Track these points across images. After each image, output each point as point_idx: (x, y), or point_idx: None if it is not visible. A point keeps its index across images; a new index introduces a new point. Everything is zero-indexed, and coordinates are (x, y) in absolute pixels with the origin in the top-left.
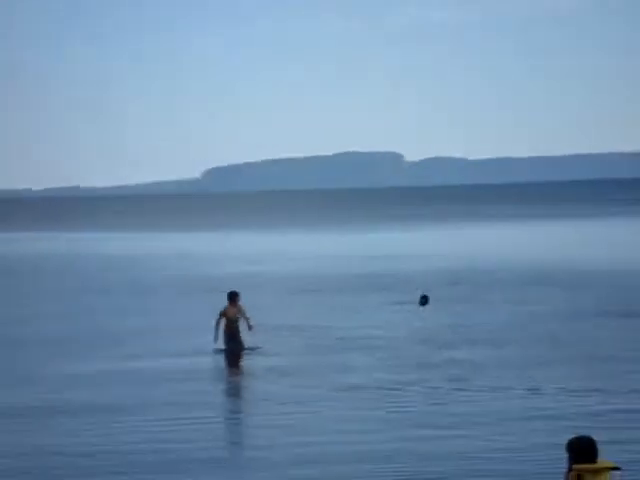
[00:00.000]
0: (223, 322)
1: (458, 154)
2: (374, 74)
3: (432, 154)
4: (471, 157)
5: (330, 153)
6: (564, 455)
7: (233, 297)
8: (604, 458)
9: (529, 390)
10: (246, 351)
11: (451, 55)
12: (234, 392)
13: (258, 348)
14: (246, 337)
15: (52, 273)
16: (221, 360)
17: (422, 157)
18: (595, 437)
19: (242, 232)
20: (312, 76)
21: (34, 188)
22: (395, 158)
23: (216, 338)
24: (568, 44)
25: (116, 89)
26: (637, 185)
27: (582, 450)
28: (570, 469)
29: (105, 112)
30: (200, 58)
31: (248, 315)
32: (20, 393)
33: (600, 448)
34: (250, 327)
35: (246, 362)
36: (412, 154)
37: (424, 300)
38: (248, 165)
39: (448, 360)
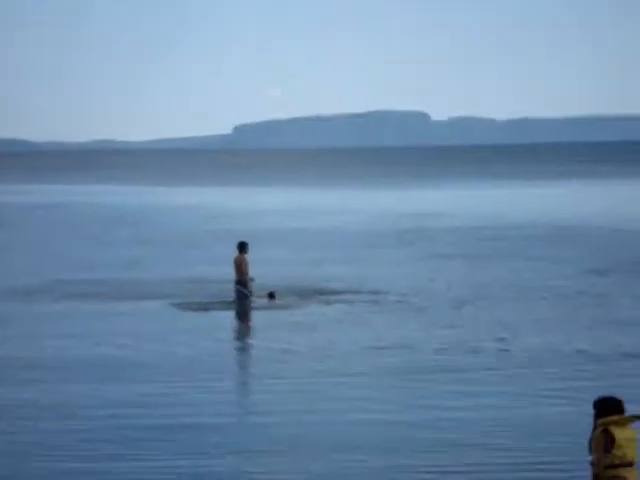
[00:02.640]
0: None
1: (486, 114)
2: (403, 31)
3: (459, 114)
4: (499, 117)
5: (360, 111)
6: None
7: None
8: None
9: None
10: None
11: (480, 13)
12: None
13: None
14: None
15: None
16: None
17: (449, 116)
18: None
19: (273, 188)
20: (343, 34)
21: (72, 140)
22: (421, 117)
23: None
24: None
25: (150, 44)
26: None
27: (608, 407)
28: (595, 426)
29: (139, 67)
30: (232, 15)
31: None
32: None
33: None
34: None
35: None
36: (438, 113)
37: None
38: (278, 122)
39: (476, 322)
